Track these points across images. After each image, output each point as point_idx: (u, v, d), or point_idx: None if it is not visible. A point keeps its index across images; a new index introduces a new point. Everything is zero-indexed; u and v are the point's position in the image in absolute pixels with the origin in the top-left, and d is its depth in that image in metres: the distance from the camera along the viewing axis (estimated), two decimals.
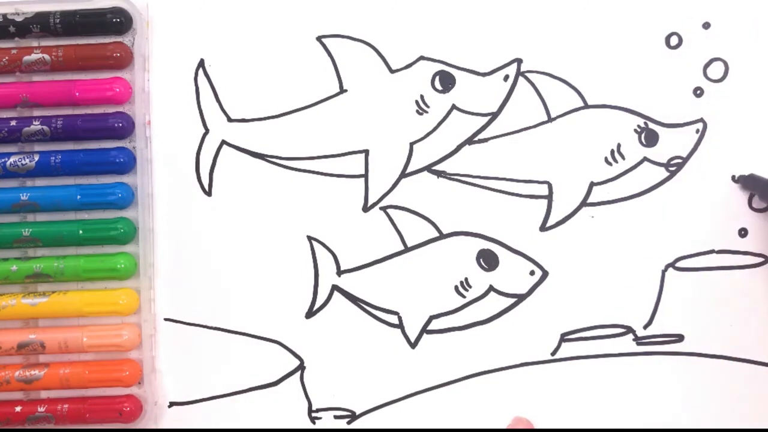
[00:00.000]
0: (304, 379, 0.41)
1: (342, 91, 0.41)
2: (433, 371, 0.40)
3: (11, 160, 0.40)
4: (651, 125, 0.40)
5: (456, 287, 0.40)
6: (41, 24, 0.40)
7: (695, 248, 0.40)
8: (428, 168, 0.41)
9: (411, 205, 0.41)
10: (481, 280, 0.40)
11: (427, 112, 0.41)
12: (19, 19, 0.40)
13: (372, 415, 0.40)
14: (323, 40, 0.41)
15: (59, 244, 0.40)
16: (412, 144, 0.41)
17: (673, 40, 0.40)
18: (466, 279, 0.40)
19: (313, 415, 0.40)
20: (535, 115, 0.41)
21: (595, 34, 0.40)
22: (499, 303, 0.40)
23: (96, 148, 0.41)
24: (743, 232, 0.40)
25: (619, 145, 0.40)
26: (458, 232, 0.40)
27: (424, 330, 0.40)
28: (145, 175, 0.41)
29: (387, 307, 0.40)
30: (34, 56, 0.40)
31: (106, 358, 0.40)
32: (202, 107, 0.41)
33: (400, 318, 0.40)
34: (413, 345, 0.40)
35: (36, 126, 0.40)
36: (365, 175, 0.41)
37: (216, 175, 0.41)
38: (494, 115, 0.41)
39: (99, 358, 0.41)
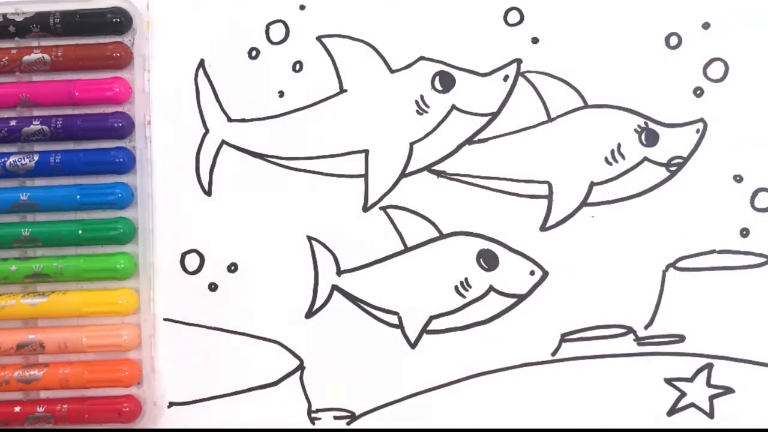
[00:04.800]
0: (304, 379, 0.40)
1: (342, 91, 0.41)
2: (433, 371, 0.40)
3: (11, 160, 0.40)
4: (651, 125, 0.40)
5: (456, 287, 0.40)
6: (41, 24, 0.40)
7: (696, 248, 0.40)
8: (428, 168, 0.41)
9: (411, 205, 0.41)
10: (481, 280, 0.40)
11: (427, 112, 0.41)
12: (19, 19, 0.40)
13: (372, 415, 0.40)
14: (323, 40, 0.41)
15: (59, 244, 0.40)
16: (412, 144, 0.41)
17: (673, 40, 0.40)
18: (466, 279, 0.40)
19: (313, 415, 0.40)
20: (535, 115, 0.41)
21: (594, 34, 0.41)
22: (499, 303, 0.40)
23: (96, 148, 0.41)
24: (744, 233, 0.40)
25: (619, 145, 0.40)
26: (458, 232, 0.40)
27: (424, 330, 0.40)
28: (145, 175, 0.41)
29: (387, 307, 0.40)
30: (33, 56, 0.40)
31: (105, 359, 0.40)
32: (202, 107, 0.41)
33: (400, 318, 0.40)
34: (413, 345, 0.40)
35: (36, 126, 0.40)
36: (365, 175, 0.41)
37: (216, 175, 0.41)
38: (494, 115, 0.41)
39: (98, 358, 0.40)
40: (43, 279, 0.40)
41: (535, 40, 0.41)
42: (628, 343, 0.40)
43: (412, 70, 0.41)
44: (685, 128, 0.40)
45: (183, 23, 0.41)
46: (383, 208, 0.41)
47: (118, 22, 0.40)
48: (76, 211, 0.41)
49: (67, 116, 0.40)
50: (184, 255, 0.41)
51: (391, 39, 0.41)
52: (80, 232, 0.40)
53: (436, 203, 0.41)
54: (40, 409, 0.39)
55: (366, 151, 0.41)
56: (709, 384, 0.40)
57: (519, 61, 0.41)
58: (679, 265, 0.40)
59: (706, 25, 0.40)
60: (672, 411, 0.40)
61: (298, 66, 0.41)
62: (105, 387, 0.40)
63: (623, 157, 0.40)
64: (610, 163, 0.40)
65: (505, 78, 0.41)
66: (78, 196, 0.40)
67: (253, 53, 0.41)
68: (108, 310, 0.40)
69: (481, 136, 0.41)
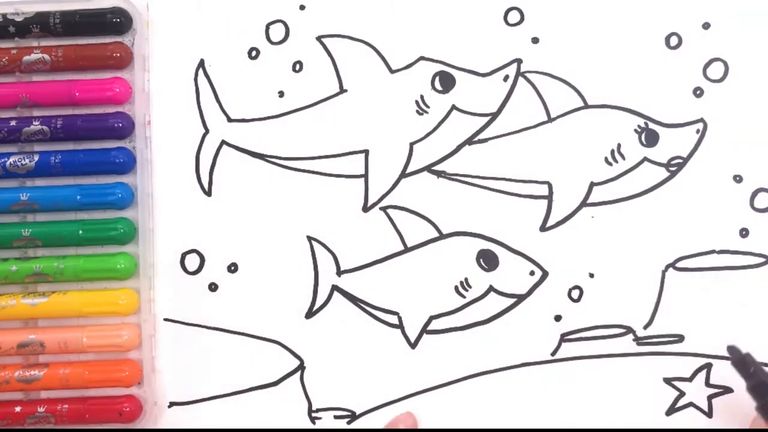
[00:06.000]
0: (304, 379, 0.40)
1: (342, 91, 0.41)
2: (433, 371, 0.40)
3: (11, 160, 0.40)
4: (651, 125, 0.40)
5: (456, 287, 0.40)
6: (41, 24, 0.40)
7: (695, 248, 0.40)
8: (428, 168, 0.41)
9: (411, 205, 0.41)
10: (481, 280, 0.40)
11: (427, 112, 0.41)
12: (19, 19, 0.40)
13: (372, 415, 0.40)
14: (323, 40, 0.41)
15: (59, 245, 0.40)
16: (412, 144, 0.41)
17: (673, 40, 0.40)
18: (466, 279, 0.40)
19: (313, 415, 0.40)
20: (535, 115, 0.41)
21: (594, 34, 0.40)
22: (499, 303, 0.40)
23: (96, 148, 0.41)
24: (744, 233, 0.40)
25: (619, 145, 0.40)
26: (458, 232, 0.40)
27: (424, 330, 0.40)
28: (145, 175, 0.41)
29: (387, 307, 0.40)
30: (34, 56, 0.40)
31: (105, 359, 0.40)
32: (202, 107, 0.41)
33: (400, 318, 0.40)
34: (413, 345, 0.40)
35: (36, 126, 0.40)
36: (365, 175, 0.41)
37: (216, 175, 0.41)
38: (494, 116, 0.41)
39: (99, 358, 0.40)
40: (43, 279, 0.40)
41: (535, 40, 0.41)
42: (627, 343, 0.40)
43: (412, 70, 0.41)
44: (685, 128, 0.40)
45: (183, 23, 0.41)
46: (383, 209, 0.41)
47: (118, 22, 0.40)
48: (77, 211, 0.41)
49: (68, 116, 0.40)
50: (184, 255, 0.41)
51: (391, 39, 0.41)
52: (80, 232, 0.40)
53: (436, 203, 0.41)
54: (41, 409, 0.39)
55: (366, 151, 0.41)
56: (708, 384, 0.40)
57: (519, 61, 0.41)
58: (679, 265, 0.40)
59: (706, 25, 0.40)
60: (671, 410, 0.40)
61: (298, 66, 0.41)
62: (105, 387, 0.40)
63: (623, 158, 0.40)
64: (610, 164, 0.40)
65: (505, 78, 0.41)
66: (78, 197, 0.40)
67: (253, 53, 0.41)
68: (108, 310, 0.40)
69: (481, 136, 0.41)
